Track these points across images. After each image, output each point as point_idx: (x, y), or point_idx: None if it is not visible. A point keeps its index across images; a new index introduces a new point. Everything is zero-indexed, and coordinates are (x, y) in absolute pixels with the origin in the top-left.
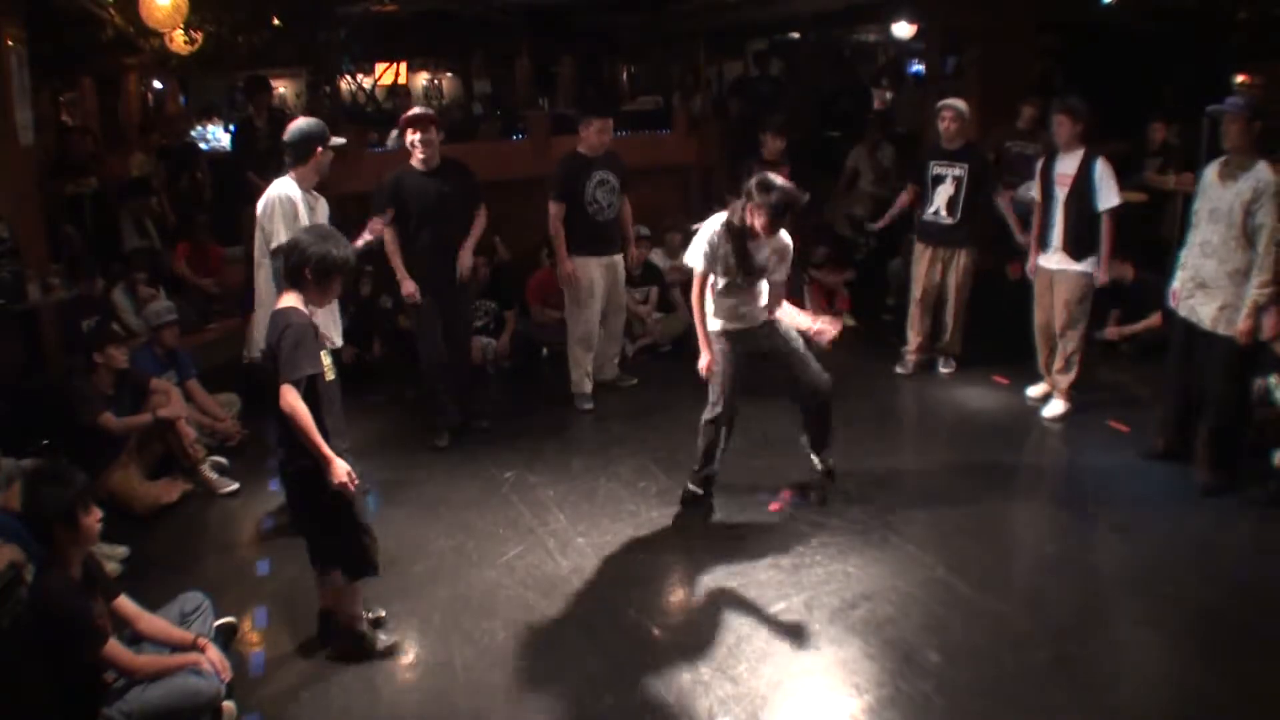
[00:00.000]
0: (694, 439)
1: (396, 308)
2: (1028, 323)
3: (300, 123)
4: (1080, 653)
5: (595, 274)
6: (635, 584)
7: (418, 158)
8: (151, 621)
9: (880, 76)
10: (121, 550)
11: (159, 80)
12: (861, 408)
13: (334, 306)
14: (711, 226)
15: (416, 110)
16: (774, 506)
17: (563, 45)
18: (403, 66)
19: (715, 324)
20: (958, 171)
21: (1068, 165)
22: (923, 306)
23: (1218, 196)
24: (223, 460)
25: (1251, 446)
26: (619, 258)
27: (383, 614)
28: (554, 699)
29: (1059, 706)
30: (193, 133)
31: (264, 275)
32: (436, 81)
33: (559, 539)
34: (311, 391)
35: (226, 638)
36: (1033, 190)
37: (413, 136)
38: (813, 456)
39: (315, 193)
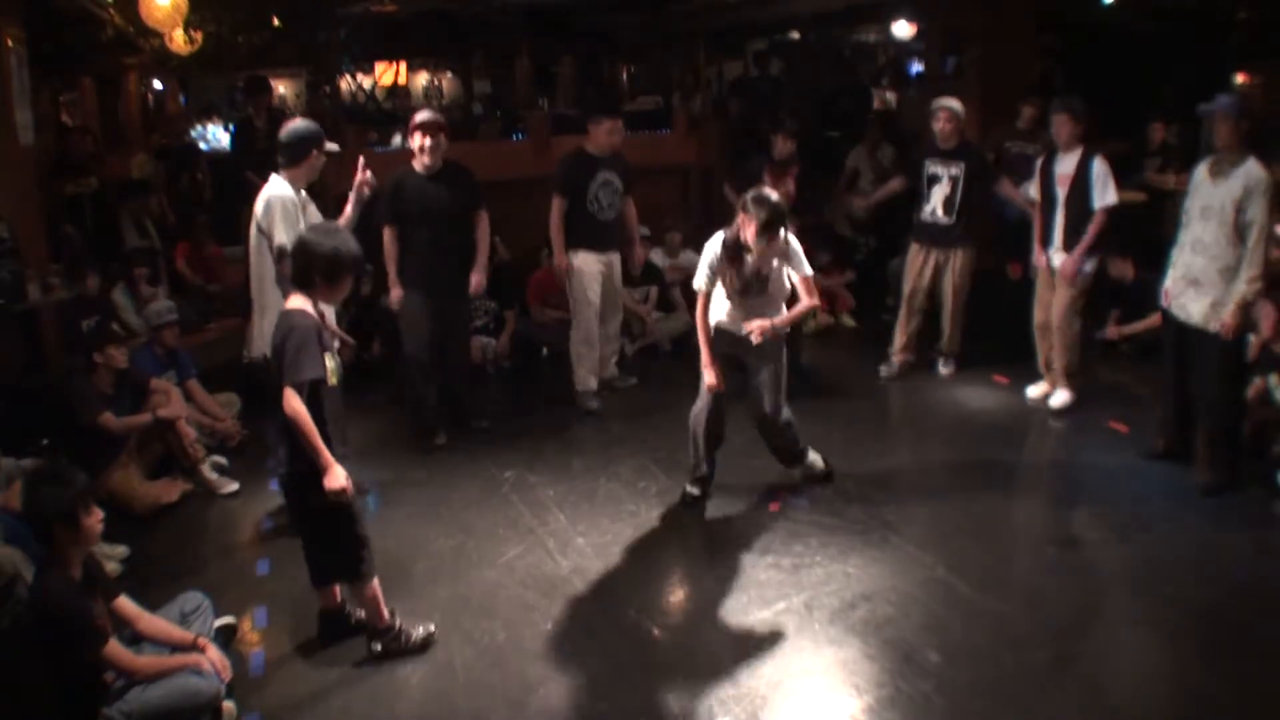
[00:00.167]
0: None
1: None
2: (1028, 322)
3: (295, 124)
4: (1080, 653)
5: (594, 269)
6: (635, 584)
7: (422, 162)
8: (151, 621)
9: (880, 76)
10: (121, 550)
11: (159, 80)
12: (862, 408)
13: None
14: (713, 246)
15: (429, 116)
16: (774, 506)
17: (563, 45)
18: (403, 66)
19: (716, 317)
20: (954, 171)
21: (1067, 165)
22: (910, 307)
23: (1209, 194)
24: (223, 460)
25: (1251, 446)
26: (616, 257)
27: (434, 629)
28: (554, 699)
29: (1059, 706)
30: (193, 133)
31: (260, 275)
32: (436, 81)
33: (559, 539)
34: (314, 395)
35: (226, 638)
36: (1032, 189)
37: (422, 141)
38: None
39: (305, 194)
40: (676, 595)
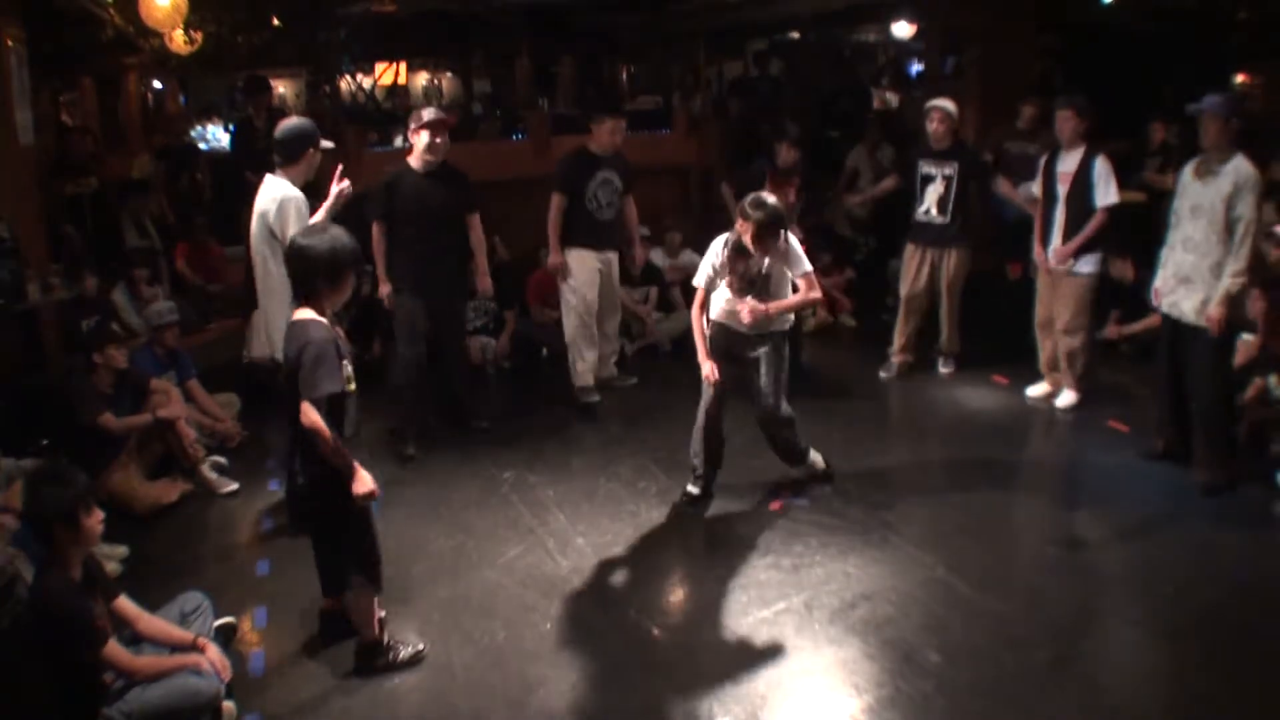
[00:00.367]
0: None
1: None
2: (1028, 322)
3: (291, 122)
4: (1080, 653)
5: (590, 266)
6: (635, 584)
7: (425, 159)
8: (151, 622)
9: (880, 76)
10: (121, 550)
11: (159, 80)
12: (862, 408)
13: None
14: (715, 247)
15: (438, 114)
16: (774, 506)
17: (563, 45)
18: (403, 66)
19: (715, 313)
20: (947, 170)
21: (1069, 163)
22: (909, 308)
23: (1198, 193)
24: (223, 460)
25: (1248, 445)
26: (614, 256)
27: (422, 647)
28: (554, 699)
29: (1059, 706)
30: (193, 133)
31: (265, 275)
32: (436, 81)
33: (559, 539)
34: (338, 403)
35: (226, 638)
36: (1034, 188)
37: (430, 139)
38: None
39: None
40: (676, 595)
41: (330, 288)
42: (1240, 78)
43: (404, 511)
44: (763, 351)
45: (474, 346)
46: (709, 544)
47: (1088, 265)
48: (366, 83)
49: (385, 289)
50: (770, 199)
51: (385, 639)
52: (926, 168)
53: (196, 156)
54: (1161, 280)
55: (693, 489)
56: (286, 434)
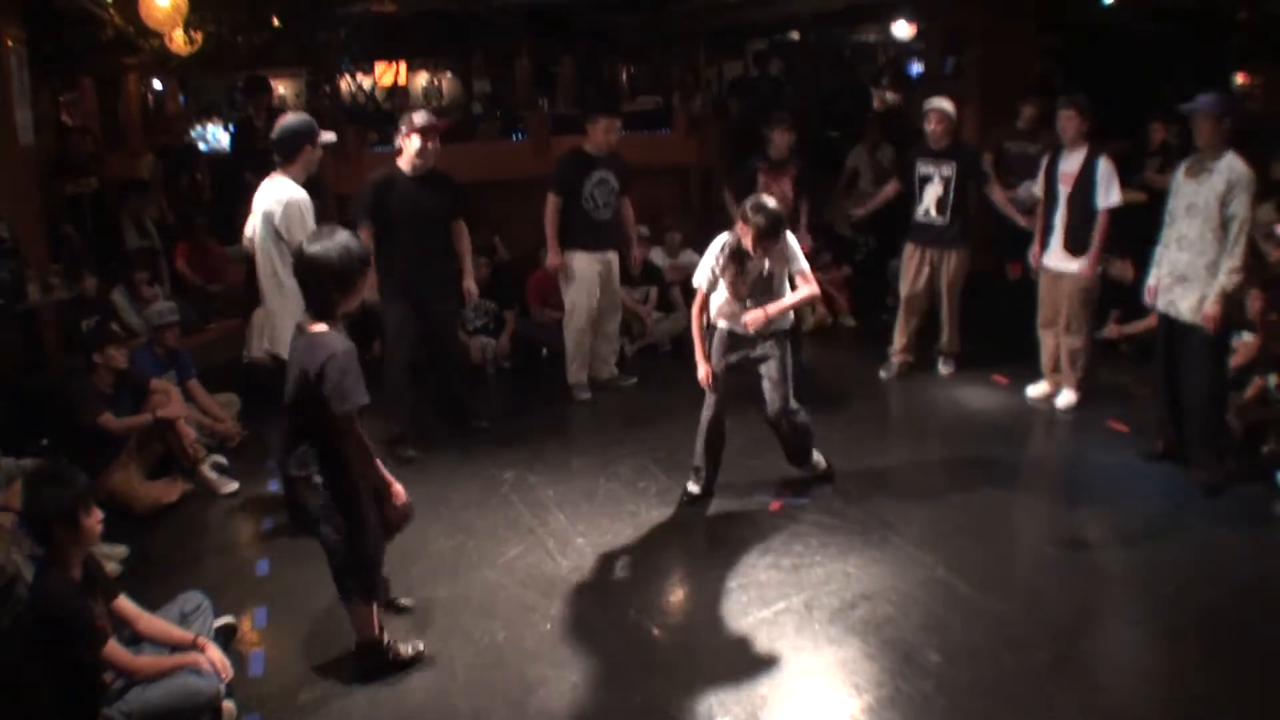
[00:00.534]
0: (694, 439)
1: None
2: (1028, 322)
3: (288, 120)
4: (1080, 653)
5: (590, 269)
6: (635, 584)
7: (415, 162)
8: (151, 621)
9: (880, 76)
10: (121, 550)
11: (159, 80)
12: (862, 408)
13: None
14: (715, 248)
15: (431, 119)
16: (774, 506)
17: (563, 45)
18: (403, 66)
19: (720, 322)
20: (946, 171)
21: (1071, 163)
22: (909, 309)
23: (1192, 192)
24: (223, 460)
25: (1245, 443)
26: (613, 256)
27: (422, 647)
28: (554, 699)
29: (1059, 706)
30: (193, 133)
31: (270, 275)
32: (436, 81)
33: (559, 539)
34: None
35: (226, 638)
36: (1034, 188)
37: (423, 144)
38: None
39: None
40: (676, 595)
41: (343, 295)
42: (1240, 78)
43: None
44: (767, 350)
45: (474, 346)
46: (709, 544)
47: (1088, 265)
48: (366, 83)
49: (371, 293)
50: (770, 202)
51: (385, 639)
52: (924, 168)
53: (196, 156)
54: (1155, 279)
55: (693, 488)
56: (284, 438)
